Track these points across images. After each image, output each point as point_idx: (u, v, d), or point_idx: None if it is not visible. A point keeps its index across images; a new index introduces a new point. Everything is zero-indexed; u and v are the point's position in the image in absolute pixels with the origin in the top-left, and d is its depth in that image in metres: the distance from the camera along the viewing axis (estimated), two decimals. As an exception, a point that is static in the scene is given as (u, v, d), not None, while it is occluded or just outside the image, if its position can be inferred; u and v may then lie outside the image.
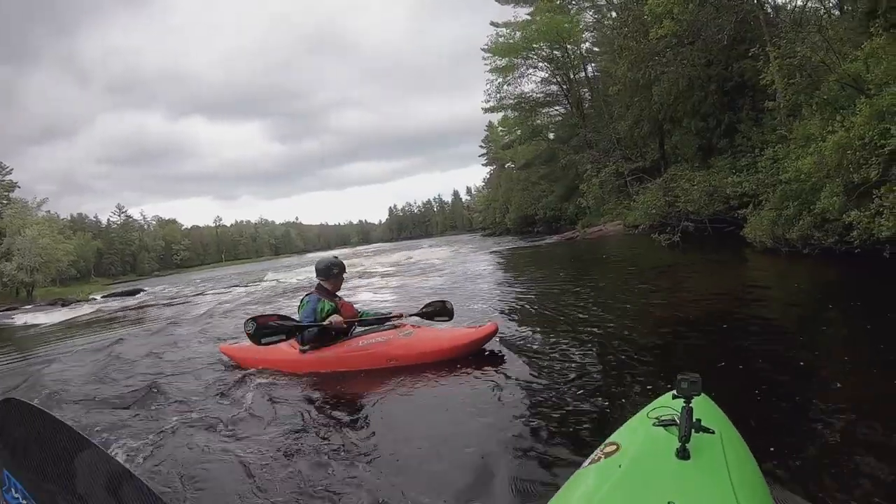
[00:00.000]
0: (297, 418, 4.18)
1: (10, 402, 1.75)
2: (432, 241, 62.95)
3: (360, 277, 18.53)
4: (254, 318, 5.16)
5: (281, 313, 5.75)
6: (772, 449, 2.75)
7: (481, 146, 70.07)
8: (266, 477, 3.22)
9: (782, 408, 3.39)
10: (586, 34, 33.10)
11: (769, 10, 15.14)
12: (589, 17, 32.97)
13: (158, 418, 4.50)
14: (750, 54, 13.32)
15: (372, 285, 15.52)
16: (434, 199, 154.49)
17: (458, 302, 6.61)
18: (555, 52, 32.58)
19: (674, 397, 1.82)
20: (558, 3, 31.61)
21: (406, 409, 4.25)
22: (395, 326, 5.40)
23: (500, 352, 5.26)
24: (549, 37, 31.02)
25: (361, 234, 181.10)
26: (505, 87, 35.04)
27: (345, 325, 5.26)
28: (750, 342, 4.96)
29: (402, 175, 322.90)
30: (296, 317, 5.45)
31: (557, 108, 37.45)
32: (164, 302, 20.88)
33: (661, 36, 16.38)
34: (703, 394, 1.87)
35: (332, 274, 5.57)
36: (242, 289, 22.80)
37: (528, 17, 32.75)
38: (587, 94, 34.94)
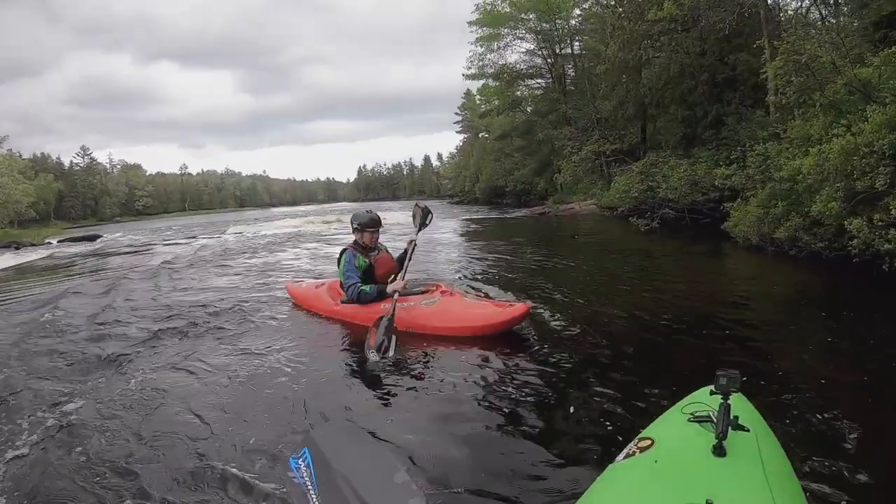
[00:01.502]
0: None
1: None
2: (401, 204, 62.33)
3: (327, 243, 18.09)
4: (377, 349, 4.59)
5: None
6: (805, 448, 2.75)
7: (457, 113, 69.39)
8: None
9: (809, 408, 3.33)
10: (576, 11, 32.67)
11: (771, 5, 14.99)
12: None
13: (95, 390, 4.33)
14: (755, 45, 13.21)
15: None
16: (404, 161, 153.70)
17: (445, 272, 6.52)
18: (543, 24, 32.07)
19: (711, 393, 1.85)
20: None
21: (426, 385, 4.12)
22: (424, 291, 5.22)
23: (523, 332, 5.03)
24: (539, 7, 30.48)
25: (328, 192, 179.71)
26: (489, 55, 34.55)
27: (403, 283, 5.18)
28: (772, 341, 4.97)
29: (370, 136, 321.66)
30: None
31: (539, 81, 37.10)
32: (121, 250, 20.12)
33: (658, 19, 16.17)
34: (739, 391, 1.86)
35: (363, 229, 5.52)
36: (203, 240, 22.13)
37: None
38: (571, 71, 34.60)
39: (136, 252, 18.65)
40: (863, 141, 7.70)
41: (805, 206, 9.35)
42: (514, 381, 4.00)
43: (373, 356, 4.46)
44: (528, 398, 3.72)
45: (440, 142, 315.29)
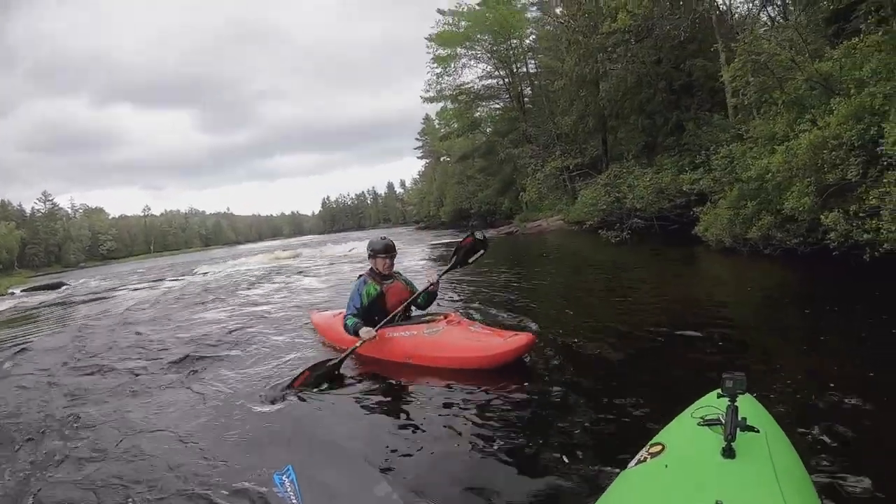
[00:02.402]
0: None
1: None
2: (367, 234, 61.94)
3: (301, 274, 17.62)
4: (287, 386, 4.48)
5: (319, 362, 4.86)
6: (817, 447, 2.70)
7: (417, 139, 69.69)
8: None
9: (816, 405, 3.29)
10: (529, 30, 32.99)
11: (723, 10, 15.20)
12: (534, 11, 32.94)
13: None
14: (711, 49, 13.31)
15: (327, 280, 14.71)
16: (368, 191, 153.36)
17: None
18: (499, 44, 32.28)
19: (718, 396, 1.82)
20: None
21: (444, 401, 4.04)
22: (430, 320, 4.88)
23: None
24: (494, 28, 30.68)
25: (294, 226, 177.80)
26: (446, 77, 34.63)
27: (374, 335, 4.75)
28: (774, 340, 4.92)
29: (332, 167, 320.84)
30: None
31: (497, 101, 37.28)
32: (86, 297, 19.32)
33: (613, 31, 16.31)
34: (747, 393, 1.87)
35: (376, 255, 5.24)
36: (169, 283, 21.38)
37: (472, 8, 32.29)
38: (528, 89, 34.85)
39: (100, 299, 17.83)
40: (830, 134, 7.67)
41: (775, 203, 9.31)
42: (518, 397, 3.95)
43: (275, 393, 4.42)
44: (535, 412, 3.68)
45: (402, 168, 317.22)
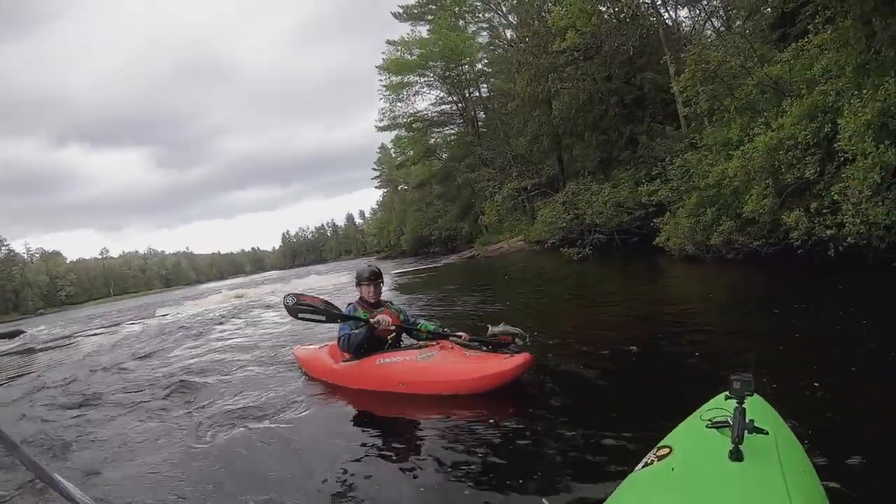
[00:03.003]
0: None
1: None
2: (328, 267, 61.15)
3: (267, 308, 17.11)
4: (295, 295, 4.87)
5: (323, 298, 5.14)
6: (827, 449, 2.56)
7: (374, 168, 69.46)
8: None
9: (811, 407, 3.20)
10: (480, 54, 33.33)
11: (669, 24, 15.49)
12: (484, 36, 33.34)
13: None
14: (661, 62, 13.47)
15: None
16: (327, 223, 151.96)
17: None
18: (450, 70, 32.51)
19: (726, 398, 1.83)
20: (454, 21, 31.64)
21: (446, 415, 3.95)
22: (424, 346, 4.60)
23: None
24: (445, 55, 30.90)
25: (255, 262, 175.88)
26: (399, 105, 34.70)
27: (392, 328, 4.68)
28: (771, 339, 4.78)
29: (290, 201, 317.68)
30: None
31: (452, 126, 37.52)
32: (45, 345, 18.40)
33: (562, 50, 16.46)
34: (755, 394, 1.84)
35: (360, 282, 5.08)
36: (129, 328, 20.52)
37: (425, 36, 32.56)
38: (482, 113, 35.12)
39: (58, 346, 16.95)
40: (785, 135, 7.70)
41: (734, 208, 9.35)
42: (517, 414, 3.87)
43: (289, 300, 4.76)
44: (535, 427, 3.58)
45: (361, 199, 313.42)
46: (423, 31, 33.44)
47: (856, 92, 6.35)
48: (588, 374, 4.48)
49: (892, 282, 5.95)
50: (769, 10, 11.73)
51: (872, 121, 5.74)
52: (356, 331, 4.66)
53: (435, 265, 28.46)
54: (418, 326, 4.96)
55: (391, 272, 28.65)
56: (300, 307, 4.79)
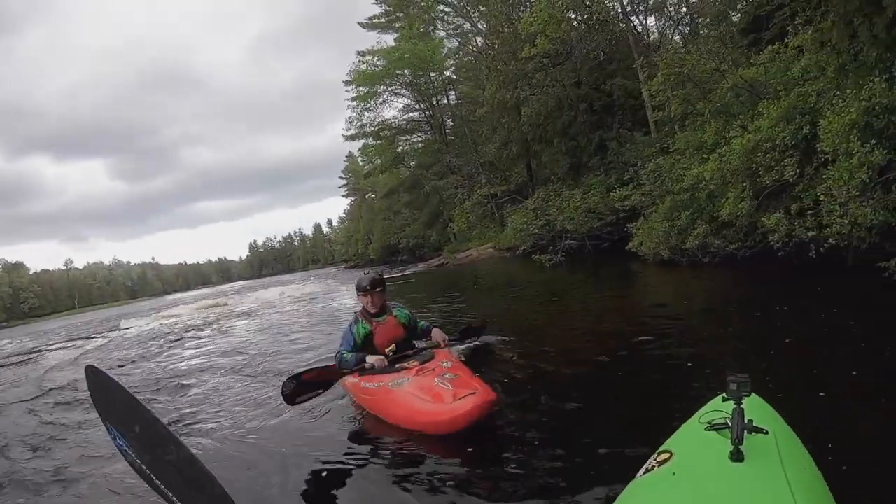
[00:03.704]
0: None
1: (93, 369, 2.30)
2: (297, 276, 60.31)
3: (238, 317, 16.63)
4: (295, 377, 4.35)
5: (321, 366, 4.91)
6: (824, 447, 2.52)
7: (341, 177, 68.91)
8: None
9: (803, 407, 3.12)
10: (449, 62, 33.26)
11: (639, 30, 15.53)
12: (454, 43, 33.26)
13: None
14: (634, 66, 13.46)
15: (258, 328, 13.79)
16: (295, 232, 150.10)
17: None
18: (418, 78, 32.36)
19: (724, 399, 1.85)
20: (421, 30, 31.52)
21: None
22: (404, 368, 4.21)
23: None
24: (412, 63, 30.73)
25: (222, 272, 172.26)
26: (367, 113, 34.40)
27: (385, 364, 4.32)
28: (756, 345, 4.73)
29: (256, 211, 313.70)
30: None
31: (419, 134, 37.34)
32: (7, 361, 17.61)
33: (532, 56, 16.39)
34: (753, 394, 1.84)
35: (358, 291, 4.79)
36: (93, 342, 19.74)
37: (392, 45, 32.38)
38: (449, 120, 35.03)
39: (22, 362, 16.19)
40: (763, 137, 7.64)
41: (709, 211, 9.29)
42: (514, 422, 3.83)
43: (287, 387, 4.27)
44: (532, 436, 3.51)
45: (329, 208, 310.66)
46: (389, 39, 33.33)
47: (838, 92, 6.30)
48: (579, 381, 4.42)
49: (870, 282, 5.92)
50: (738, 16, 11.79)
51: (857, 120, 5.67)
52: (348, 357, 4.48)
53: (403, 273, 28.11)
54: (420, 327, 4.83)
55: (355, 282, 28.16)
56: (298, 392, 4.32)
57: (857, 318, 4.72)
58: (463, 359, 4.90)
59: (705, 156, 9.21)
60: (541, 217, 18.18)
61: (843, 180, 5.81)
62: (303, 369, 4.79)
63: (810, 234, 6.70)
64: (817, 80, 7.02)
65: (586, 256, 15.97)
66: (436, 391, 3.74)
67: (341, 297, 17.79)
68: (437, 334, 4.77)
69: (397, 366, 4.29)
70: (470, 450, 3.39)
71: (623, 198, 13.31)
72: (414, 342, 4.78)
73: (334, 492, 3.31)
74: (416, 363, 4.19)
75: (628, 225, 12.46)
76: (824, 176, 6.30)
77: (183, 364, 8.64)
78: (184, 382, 6.99)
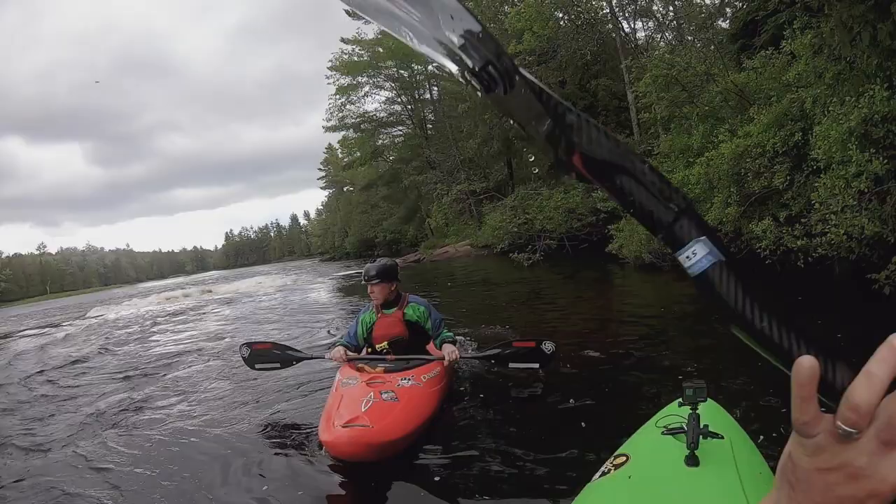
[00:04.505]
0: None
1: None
2: (274, 268, 59.41)
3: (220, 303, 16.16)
4: (249, 344, 4.74)
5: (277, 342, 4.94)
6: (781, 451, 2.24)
7: (320, 169, 68.07)
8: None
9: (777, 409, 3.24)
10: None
11: (626, 33, 15.41)
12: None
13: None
14: (621, 66, 13.32)
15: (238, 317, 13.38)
16: (271, 223, 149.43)
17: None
18: (401, 71, 32.01)
19: (679, 405, 1.83)
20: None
21: None
22: (363, 369, 3.89)
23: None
24: (397, 55, 30.36)
25: (197, 261, 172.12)
26: (348, 105, 33.96)
27: (344, 360, 4.01)
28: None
29: (232, 200, 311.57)
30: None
31: (400, 128, 36.97)
32: None
33: (517, 52, 16.16)
34: (709, 399, 1.87)
35: (368, 280, 4.28)
36: (60, 331, 19.03)
37: (377, 36, 31.95)
38: (431, 116, 34.73)
39: None
40: (753, 142, 7.49)
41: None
42: (478, 421, 3.80)
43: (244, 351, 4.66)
44: (487, 438, 3.48)
45: (305, 200, 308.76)
46: (368, 31, 32.92)
47: (834, 99, 6.15)
48: (539, 381, 4.33)
49: (855, 294, 5.96)
50: (727, 22, 11.71)
51: (856, 129, 5.51)
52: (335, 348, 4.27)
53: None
54: (442, 337, 4.29)
55: (335, 274, 27.90)
56: (257, 358, 4.65)
57: (839, 330, 4.68)
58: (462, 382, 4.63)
59: (691, 159, 9.06)
60: (520, 216, 18.01)
61: (839, 189, 5.66)
62: (260, 339, 5.25)
63: (799, 242, 6.53)
64: (812, 87, 6.86)
65: (564, 257, 15.83)
66: (355, 406, 3.35)
67: (311, 292, 17.44)
68: (446, 349, 4.10)
69: (359, 365, 3.97)
70: (417, 448, 3.31)
71: (604, 199, 13.15)
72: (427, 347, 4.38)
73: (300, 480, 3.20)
74: (380, 368, 3.86)
75: (608, 227, 12.31)
76: (815, 184, 6.14)
77: (168, 348, 8.56)
78: (165, 369, 6.93)
